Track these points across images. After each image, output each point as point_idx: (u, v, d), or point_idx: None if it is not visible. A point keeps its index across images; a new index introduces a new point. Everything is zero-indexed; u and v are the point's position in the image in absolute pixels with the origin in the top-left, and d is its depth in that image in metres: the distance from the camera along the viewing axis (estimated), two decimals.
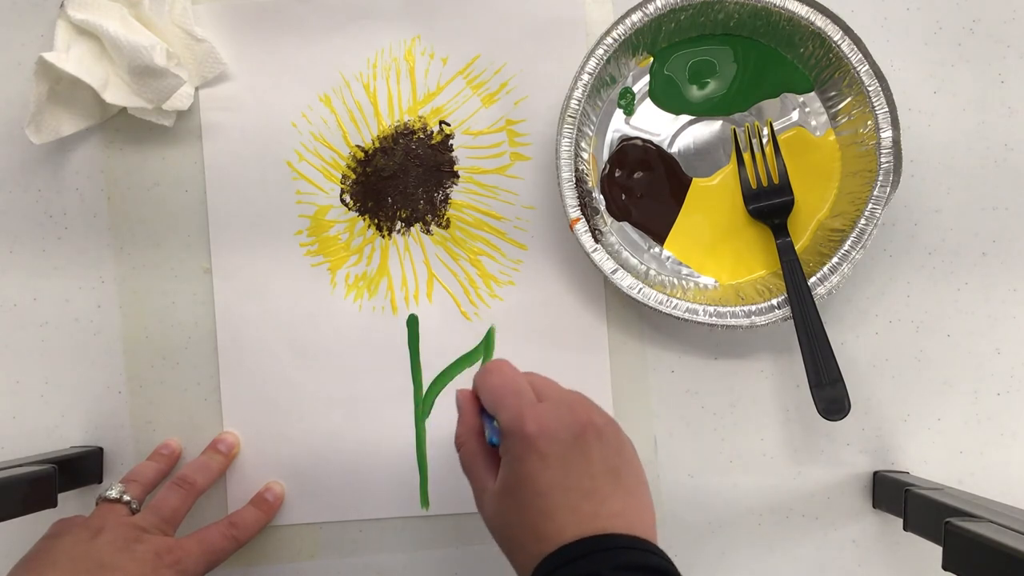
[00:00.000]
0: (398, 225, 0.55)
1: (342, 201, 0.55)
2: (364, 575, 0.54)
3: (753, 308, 0.50)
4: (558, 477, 0.37)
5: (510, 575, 0.54)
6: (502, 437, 0.40)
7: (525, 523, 0.37)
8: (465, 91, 0.55)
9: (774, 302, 0.50)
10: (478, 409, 0.43)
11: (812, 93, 0.53)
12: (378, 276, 0.54)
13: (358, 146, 0.55)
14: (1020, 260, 0.54)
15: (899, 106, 0.50)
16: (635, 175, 0.53)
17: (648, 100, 0.53)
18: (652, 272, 0.53)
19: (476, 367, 0.54)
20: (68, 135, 0.53)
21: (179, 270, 0.55)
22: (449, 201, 0.55)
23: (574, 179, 0.51)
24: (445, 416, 0.54)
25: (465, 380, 0.54)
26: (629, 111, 0.53)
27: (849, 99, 0.51)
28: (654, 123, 0.53)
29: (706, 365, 0.54)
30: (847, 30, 0.50)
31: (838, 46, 0.50)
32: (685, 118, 0.53)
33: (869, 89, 0.50)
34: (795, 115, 0.53)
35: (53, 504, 0.47)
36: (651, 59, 0.53)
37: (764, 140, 0.53)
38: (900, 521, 0.48)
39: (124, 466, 0.54)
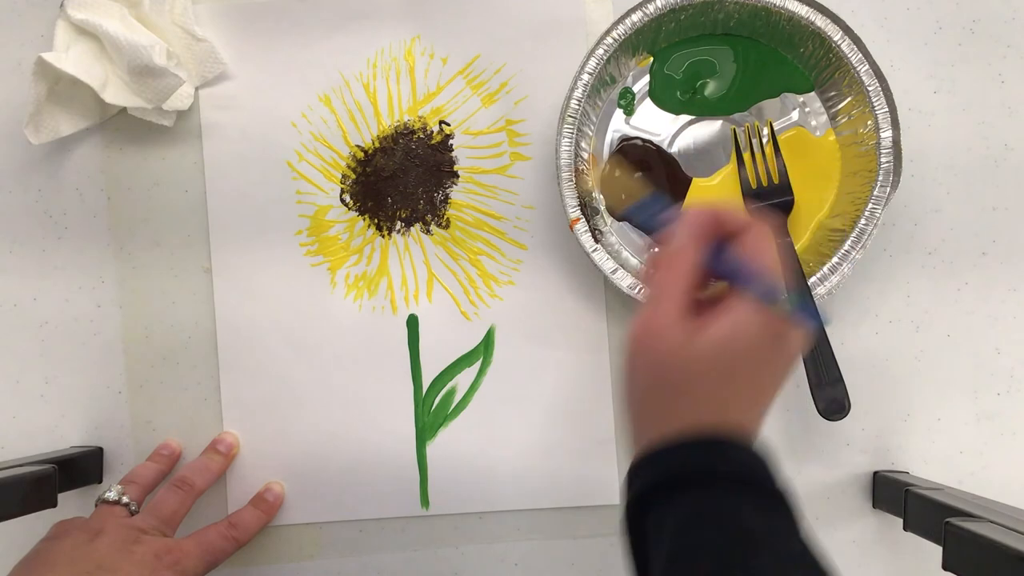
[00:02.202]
0: (398, 225, 0.55)
1: (342, 201, 0.55)
2: (364, 575, 0.54)
3: None
4: (763, 377, 0.35)
5: (509, 575, 0.54)
6: (739, 305, 0.34)
7: (703, 389, 0.34)
8: (465, 91, 0.55)
9: None
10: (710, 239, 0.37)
11: (812, 93, 0.53)
12: (378, 276, 0.54)
13: (358, 146, 0.55)
14: (1020, 260, 0.54)
15: (899, 106, 0.50)
16: (635, 175, 0.53)
17: (648, 100, 0.53)
18: None
19: (476, 367, 0.54)
20: (68, 135, 0.53)
21: (179, 270, 0.54)
22: (449, 201, 0.55)
23: (574, 179, 0.51)
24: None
25: (466, 380, 0.54)
26: (629, 111, 0.53)
27: (849, 99, 0.51)
28: (654, 123, 0.53)
29: None
30: (847, 30, 0.50)
31: (838, 46, 0.50)
32: (685, 118, 0.53)
33: (869, 89, 0.50)
34: (795, 115, 0.53)
35: (53, 504, 0.47)
36: (651, 59, 0.53)
37: (764, 140, 0.53)
38: (900, 521, 0.48)
39: (124, 466, 0.54)
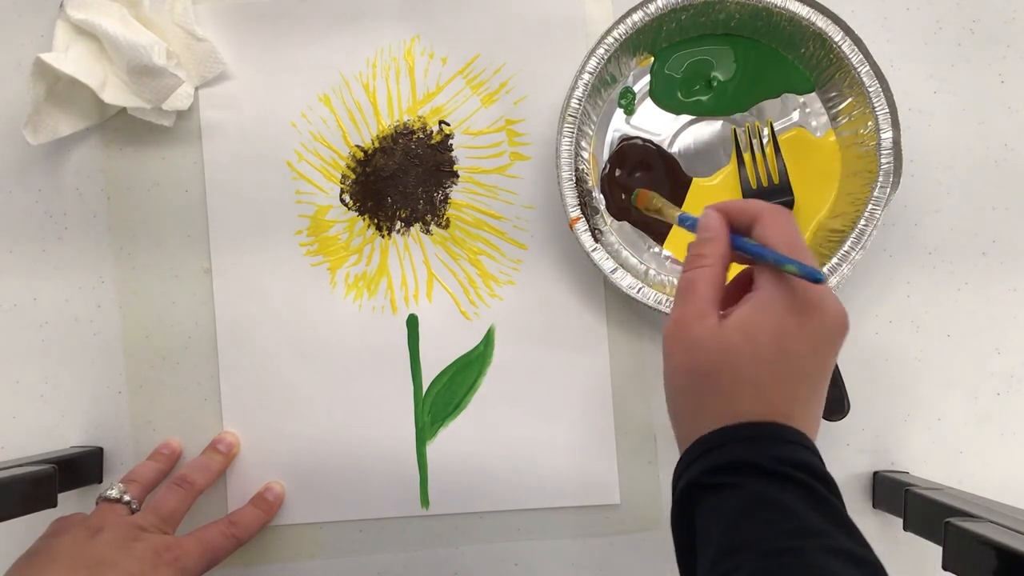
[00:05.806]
0: (398, 225, 0.55)
1: (342, 201, 0.55)
2: (364, 575, 0.54)
3: None
4: (796, 353, 0.35)
5: (509, 575, 0.54)
6: (764, 284, 0.36)
7: (737, 372, 0.35)
8: (465, 91, 0.55)
9: None
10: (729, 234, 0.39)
11: (813, 93, 0.53)
12: (378, 276, 0.54)
13: (358, 146, 0.55)
14: (1020, 260, 0.54)
15: (899, 106, 0.50)
16: (635, 175, 0.53)
17: (648, 100, 0.53)
18: (652, 272, 0.53)
19: (475, 367, 0.54)
20: (67, 135, 0.53)
21: (179, 270, 0.54)
22: (449, 201, 0.55)
23: (574, 179, 0.51)
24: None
25: (466, 380, 0.54)
26: (629, 111, 0.53)
27: (849, 99, 0.51)
28: (654, 123, 0.53)
29: None
30: (847, 30, 0.50)
31: (839, 46, 0.50)
32: (685, 118, 0.53)
33: (869, 89, 0.50)
34: (795, 115, 0.53)
35: (53, 504, 0.47)
36: (651, 59, 0.53)
37: (764, 140, 0.53)
38: (900, 521, 0.48)
39: (124, 466, 0.54)
